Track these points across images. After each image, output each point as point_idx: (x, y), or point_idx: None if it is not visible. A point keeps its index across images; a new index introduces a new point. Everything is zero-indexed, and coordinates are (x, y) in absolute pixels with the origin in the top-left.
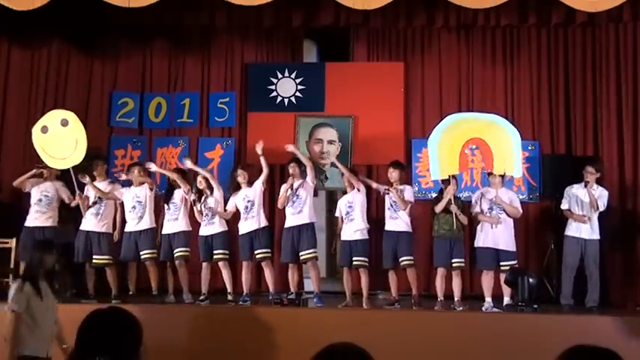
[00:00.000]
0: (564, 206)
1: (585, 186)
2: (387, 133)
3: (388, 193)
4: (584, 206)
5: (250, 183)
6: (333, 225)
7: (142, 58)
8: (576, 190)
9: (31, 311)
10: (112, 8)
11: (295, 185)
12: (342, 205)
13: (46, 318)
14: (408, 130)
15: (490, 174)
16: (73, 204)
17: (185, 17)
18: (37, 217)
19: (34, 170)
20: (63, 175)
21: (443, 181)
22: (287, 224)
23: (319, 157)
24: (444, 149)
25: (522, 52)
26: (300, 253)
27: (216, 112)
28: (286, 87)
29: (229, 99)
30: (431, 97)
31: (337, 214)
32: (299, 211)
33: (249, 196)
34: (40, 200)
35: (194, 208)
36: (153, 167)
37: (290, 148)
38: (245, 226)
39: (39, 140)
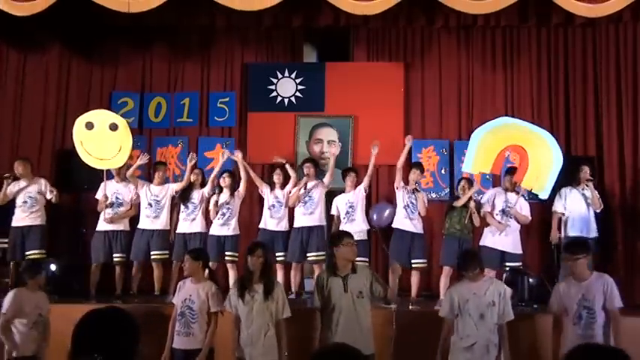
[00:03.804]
0: (559, 209)
1: (593, 185)
2: (387, 133)
3: (415, 193)
4: (589, 205)
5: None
6: (330, 223)
7: (142, 58)
8: (577, 191)
9: (238, 314)
10: (112, 10)
11: (309, 186)
12: (340, 203)
13: (248, 322)
14: (408, 130)
15: (507, 174)
16: (98, 208)
17: (185, 18)
18: (25, 217)
19: (4, 183)
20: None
21: (459, 181)
22: (297, 224)
23: (319, 158)
24: (484, 146)
25: (522, 52)
26: (309, 255)
27: (216, 111)
28: (286, 87)
29: (229, 99)
30: (431, 97)
31: (334, 212)
32: (310, 212)
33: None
34: (25, 202)
35: (211, 205)
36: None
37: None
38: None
39: (80, 134)
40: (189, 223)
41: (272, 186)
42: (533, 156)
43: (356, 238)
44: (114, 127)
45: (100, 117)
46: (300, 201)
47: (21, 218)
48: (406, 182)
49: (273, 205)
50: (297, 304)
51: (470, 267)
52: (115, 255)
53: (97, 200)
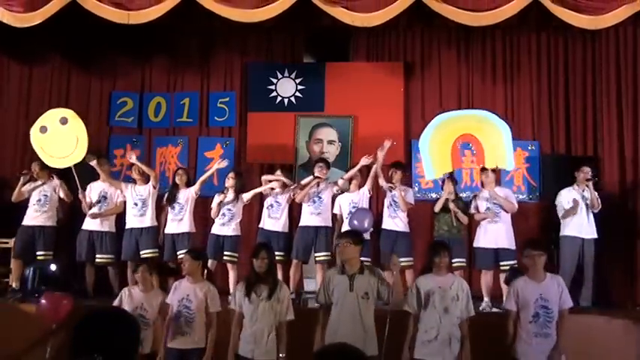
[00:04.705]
0: (565, 205)
1: (591, 183)
2: (387, 133)
3: (392, 191)
4: (588, 206)
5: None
6: (333, 223)
7: (142, 58)
8: (576, 192)
9: (243, 312)
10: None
11: (321, 186)
12: (343, 203)
13: (252, 320)
14: (408, 130)
15: (483, 170)
16: (83, 208)
17: (185, 21)
18: (37, 217)
19: (21, 179)
20: (65, 174)
21: (443, 181)
22: (303, 223)
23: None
24: (435, 148)
25: (522, 53)
26: (316, 255)
27: (216, 111)
28: (286, 87)
29: (229, 99)
30: (431, 97)
31: (336, 211)
32: (318, 213)
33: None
34: (39, 200)
35: (214, 204)
36: (133, 158)
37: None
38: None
39: (37, 140)
40: (177, 224)
41: (273, 187)
42: (483, 137)
43: None
44: (64, 120)
45: (49, 117)
46: (310, 199)
47: (33, 217)
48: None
49: (272, 205)
50: (296, 304)
51: (441, 254)
52: (97, 255)
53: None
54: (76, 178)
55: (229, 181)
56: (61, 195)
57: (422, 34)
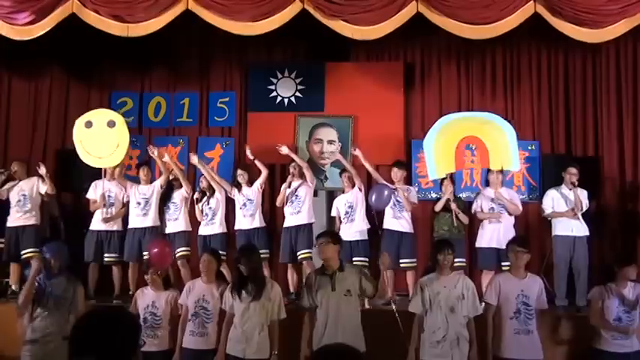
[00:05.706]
0: (548, 211)
1: (575, 186)
2: (387, 133)
3: (394, 192)
4: (570, 205)
5: (250, 183)
6: (331, 225)
7: (142, 57)
8: (561, 192)
9: (233, 312)
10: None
11: (295, 185)
12: (339, 205)
13: (243, 320)
14: (408, 130)
15: (489, 171)
16: (92, 208)
17: (185, 24)
18: (19, 217)
19: None
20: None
21: (442, 181)
22: (286, 224)
23: (319, 157)
24: (439, 149)
25: (523, 65)
26: (298, 253)
27: (216, 111)
28: (286, 87)
29: (229, 99)
30: (431, 97)
31: (334, 214)
32: (297, 212)
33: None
34: (19, 201)
35: (195, 207)
36: (166, 157)
37: (284, 150)
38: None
39: (79, 133)
40: (173, 223)
41: (239, 187)
42: (487, 140)
43: (356, 238)
44: (112, 124)
45: (99, 115)
46: (288, 201)
47: (15, 218)
48: (392, 182)
49: (245, 204)
50: (296, 303)
51: (445, 252)
52: (106, 255)
53: (89, 200)
54: (102, 180)
55: (202, 183)
56: (42, 191)
57: (422, 39)
